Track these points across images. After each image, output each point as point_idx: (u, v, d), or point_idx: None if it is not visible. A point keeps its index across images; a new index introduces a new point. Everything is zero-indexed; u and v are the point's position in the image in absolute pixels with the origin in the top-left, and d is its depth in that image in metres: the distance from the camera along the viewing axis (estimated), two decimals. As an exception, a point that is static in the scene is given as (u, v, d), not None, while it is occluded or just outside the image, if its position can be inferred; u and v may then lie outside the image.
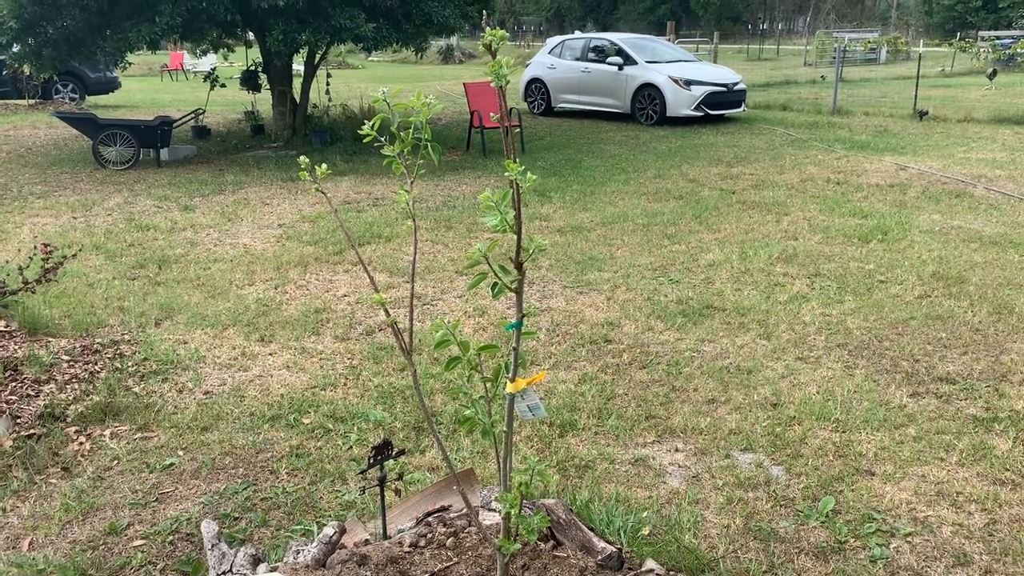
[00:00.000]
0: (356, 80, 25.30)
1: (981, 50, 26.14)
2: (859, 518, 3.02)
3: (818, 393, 4.01)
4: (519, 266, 1.94)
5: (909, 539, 2.90)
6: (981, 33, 34.55)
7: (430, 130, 1.93)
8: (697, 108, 14.22)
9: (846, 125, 13.86)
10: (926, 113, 14.44)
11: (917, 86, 15.96)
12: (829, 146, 11.68)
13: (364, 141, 1.99)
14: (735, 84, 14.86)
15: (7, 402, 3.79)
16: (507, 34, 1.59)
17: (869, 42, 33.32)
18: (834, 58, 20.16)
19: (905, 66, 28.19)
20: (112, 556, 2.87)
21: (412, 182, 2.03)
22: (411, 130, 1.94)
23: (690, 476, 3.33)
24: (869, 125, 13.84)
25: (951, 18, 45.99)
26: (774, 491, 3.20)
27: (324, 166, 2.13)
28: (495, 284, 1.95)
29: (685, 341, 4.70)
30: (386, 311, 2.09)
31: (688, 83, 14.20)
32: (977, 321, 4.90)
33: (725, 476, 3.32)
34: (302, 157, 2.11)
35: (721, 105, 14.60)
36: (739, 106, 15.08)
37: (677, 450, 3.54)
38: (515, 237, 1.88)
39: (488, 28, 1.62)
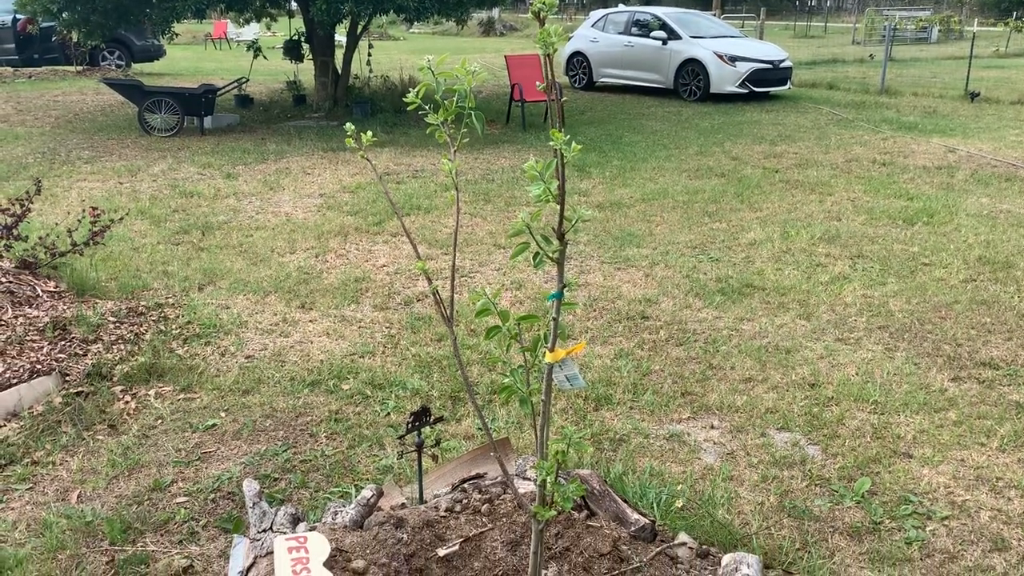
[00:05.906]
0: (397, 52, 25.27)
1: (1038, 30, 25.31)
2: (895, 500, 3.00)
3: (857, 374, 3.98)
4: (561, 236, 1.94)
5: (946, 522, 2.88)
6: (1039, 12, 33.46)
7: (474, 100, 1.93)
8: (742, 85, 14.01)
9: (894, 105, 13.56)
10: (978, 94, 14.07)
11: (969, 66, 15.54)
12: (876, 127, 11.45)
13: (408, 109, 2.00)
14: (781, 61, 14.60)
15: (57, 360, 3.90)
16: (556, 1, 1.58)
17: (921, 20, 32.47)
18: (883, 36, 19.68)
19: (957, 46, 27.45)
20: (156, 511, 2.95)
21: (455, 151, 2.04)
22: (455, 99, 1.94)
23: (725, 453, 3.33)
24: (918, 106, 13.53)
25: (1008, -4, 44.51)
26: (809, 470, 3.19)
27: (369, 133, 2.15)
28: (536, 254, 1.96)
29: (723, 319, 4.67)
30: (428, 278, 2.11)
31: (733, 59, 13.98)
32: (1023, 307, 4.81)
33: (760, 454, 3.31)
34: (348, 124, 2.13)
35: (766, 82, 14.36)
36: (785, 84, 14.82)
37: (712, 427, 3.54)
38: (557, 208, 1.88)
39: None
